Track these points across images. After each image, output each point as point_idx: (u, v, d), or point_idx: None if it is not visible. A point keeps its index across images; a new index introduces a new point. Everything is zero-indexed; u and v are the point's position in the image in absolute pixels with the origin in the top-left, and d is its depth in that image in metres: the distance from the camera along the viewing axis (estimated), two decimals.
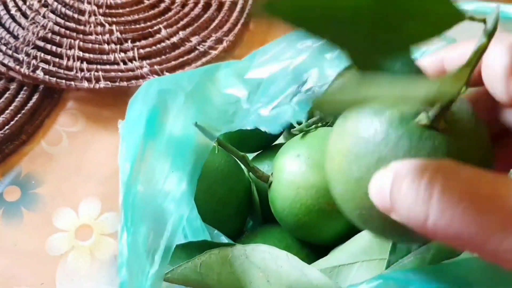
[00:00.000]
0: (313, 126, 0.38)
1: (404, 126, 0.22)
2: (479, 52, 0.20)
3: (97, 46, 0.56)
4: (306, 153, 0.35)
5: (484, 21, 0.21)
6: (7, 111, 0.52)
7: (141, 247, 0.31)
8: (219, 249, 0.29)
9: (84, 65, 0.54)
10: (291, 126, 0.41)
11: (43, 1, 0.59)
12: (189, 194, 0.33)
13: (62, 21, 0.58)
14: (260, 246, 0.29)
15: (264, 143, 0.45)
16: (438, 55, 0.26)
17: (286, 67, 0.39)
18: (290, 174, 0.35)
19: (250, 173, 0.40)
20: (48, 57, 0.55)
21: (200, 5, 0.62)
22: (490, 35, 0.20)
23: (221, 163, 0.39)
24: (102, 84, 0.53)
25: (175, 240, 0.31)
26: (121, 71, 0.55)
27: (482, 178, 0.19)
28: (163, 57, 0.57)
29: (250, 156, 0.45)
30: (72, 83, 0.53)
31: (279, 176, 0.36)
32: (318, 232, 0.36)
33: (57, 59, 0.55)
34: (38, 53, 0.54)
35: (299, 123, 0.40)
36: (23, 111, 0.53)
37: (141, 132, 0.34)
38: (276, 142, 0.45)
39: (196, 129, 0.35)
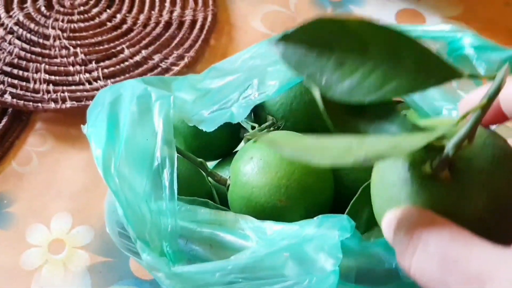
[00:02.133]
0: (265, 130, 0.41)
1: (411, 172, 0.23)
2: (485, 105, 0.21)
3: (62, 68, 0.59)
4: (258, 155, 0.38)
5: (493, 78, 0.22)
6: None
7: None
8: (215, 210, 0.34)
9: (51, 87, 0.57)
10: (245, 131, 0.44)
11: (8, 29, 0.61)
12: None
13: (27, 47, 0.60)
14: (249, 218, 0.34)
15: (225, 152, 0.47)
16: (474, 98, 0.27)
17: (235, 79, 0.42)
18: (244, 176, 0.38)
19: (210, 178, 0.43)
20: (15, 81, 0.57)
21: (161, 25, 0.65)
22: (491, 97, 0.21)
23: (181, 171, 0.42)
24: (68, 104, 0.56)
25: None
26: (87, 90, 0.57)
27: (465, 251, 0.21)
28: (127, 75, 0.59)
29: (212, 164, 0.48)
30: (40, 104, 0.56)
31: (235, 179, 0.39)
32: None
33: (24, 83, 0.57)
34: (6, 78, 0.57)
35: (253, 128, 0.43)
36: None
37: (104, 127, 0.36)
38: (236, 149, 0.48)
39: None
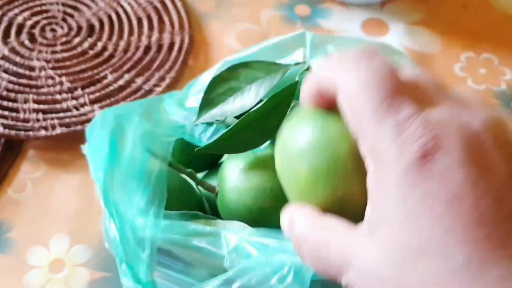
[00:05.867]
0: None
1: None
2: None
3: (50, 97, 0.62)
4: (243, 163, 0.41)
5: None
6: None
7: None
8: (205, 220, 0.38)
9: (40, 116, 0.59)
10: None
11: None
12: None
13: (15, 79, 0.63)
14: (236, 223, 0.38)
15: (211, 163, 0.50)
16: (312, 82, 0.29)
17: None
18: (232, 182, 0.41)
19: (200, 187, 0.46)
20: (6, 112, 0.59)
21: (141, 49, 0.68)
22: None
23: (172, 182, 0.44)
24: (58, 130, 0.58)
25: None
26: (75, 116, 0.60)
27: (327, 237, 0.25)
28: (112, 99, 0.62)
29: (200, 175, 0.51)
30: (30, 133, 0.58)
31: (223, 185, 0.42)
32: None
33: (14, 113, 0.60)
34: None
35: None
36: None
37: (106, 151, 0.39)
38: (221, 161, 0.51)
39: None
